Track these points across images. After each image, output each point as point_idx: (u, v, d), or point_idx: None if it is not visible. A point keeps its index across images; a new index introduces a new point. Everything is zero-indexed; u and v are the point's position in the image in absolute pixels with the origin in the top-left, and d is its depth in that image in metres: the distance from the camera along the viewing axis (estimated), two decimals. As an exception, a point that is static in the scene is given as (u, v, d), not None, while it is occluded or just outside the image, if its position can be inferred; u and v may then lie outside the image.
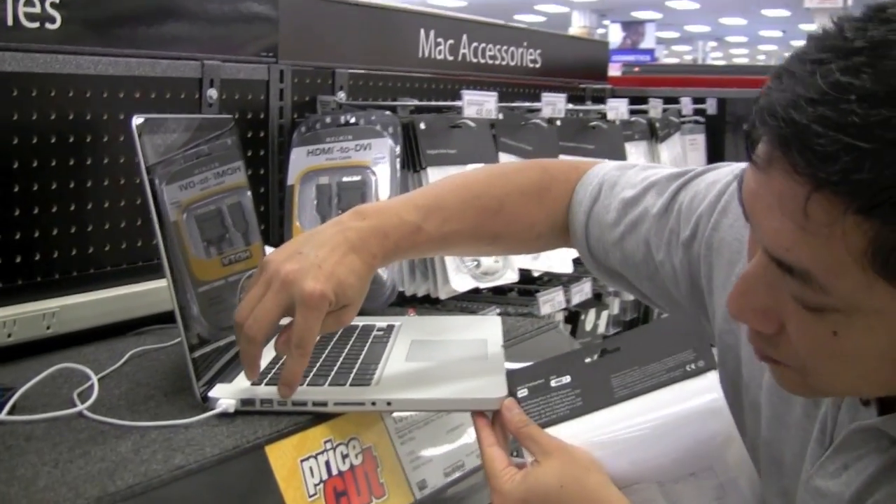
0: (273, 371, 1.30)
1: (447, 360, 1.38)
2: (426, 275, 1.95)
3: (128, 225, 1.72)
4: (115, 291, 1.67)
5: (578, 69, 3.27)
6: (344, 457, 1.22)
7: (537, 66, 2.98)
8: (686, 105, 3.14)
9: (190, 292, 1.34)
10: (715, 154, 3.34)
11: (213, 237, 1.45)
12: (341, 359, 1.37)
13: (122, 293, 1.68)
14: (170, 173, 1.35)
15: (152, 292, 1.69)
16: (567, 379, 1.18)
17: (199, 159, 1.46)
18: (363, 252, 1.22)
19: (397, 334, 1.53)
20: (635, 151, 2.77)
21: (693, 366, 1.14)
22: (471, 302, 2.14)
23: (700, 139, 3.28)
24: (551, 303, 2.26)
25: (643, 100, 3.05)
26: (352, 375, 1.29)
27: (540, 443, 1.12)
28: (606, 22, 23.28)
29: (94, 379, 1.28)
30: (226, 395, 1.21)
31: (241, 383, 1.27)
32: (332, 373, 1.30)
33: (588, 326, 2.60)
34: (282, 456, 1.14)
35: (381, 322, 1.60)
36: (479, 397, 1.21)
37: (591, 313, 2.61)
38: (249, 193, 1.60)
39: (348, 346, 1.44)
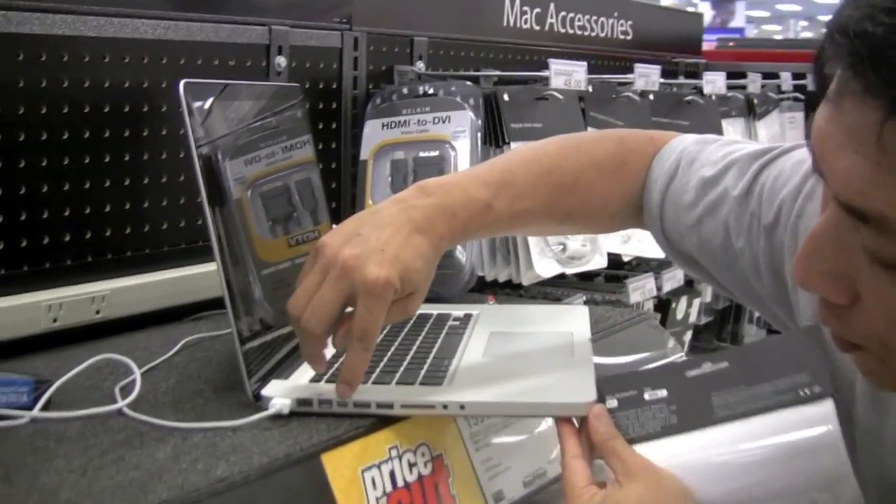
0: (335, 367, 1.17)
1: (529, 357, 1.24)
2: (507, 259, 1.80)
3: (187, 201, 1.60)
4: (171, 273, 1.55)
5: (671, 42, 3.10)
6: (411, 466, 1.08)
7: (628, 37, 2.82)
8: (786, 80, 2.95)
9: (252, 275, 1.22)
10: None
11: (279, 216, 1.33)
12: (411, 354, 1.24)
13: (179, 275, 1.56)
14: (234, 146, 1.24)
15: (212, 274, 1.55)
16: (663, 393, 1.05)
17: (265, 132, 1.35)
18: (429, 233, 1.09)
19: (475, 325, 1.39)
20: (732, 129, 2.60)
21: (807, 391, 0.99)
22: (555, 288, 1.98)
23: (799, 117, 3.09)
24: (641, 290, 2.11)
25: (740, 75, 2.87)
26: (422, 373, 1.15)
27: (625, 461, 0.99)
28: (696, 0, 22.87)
29: (138, 373, 1.15)
30: (280, 394, 1.08)
31: (300, 379, 1.15)
32: (400, 370, 1.17)
33: (679, 315, 2.45)
34: (340, 465, 1.01)
35: (457, 311, 1.46)
36: (564, 402, 1.07)
37: (683, 301, 2.46)
38: (319, 169, 1.47)
39: (420, 339, 1.31)
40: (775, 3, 25.39)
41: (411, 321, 1.40)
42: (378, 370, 1.16)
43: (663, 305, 2.39)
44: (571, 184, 1.21)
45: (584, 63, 1.86)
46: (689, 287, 2.49)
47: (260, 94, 1.38)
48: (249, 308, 1.20)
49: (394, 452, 1.07)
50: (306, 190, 1.44)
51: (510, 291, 1.89)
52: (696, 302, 2.54)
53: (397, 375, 1.14)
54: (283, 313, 1.22)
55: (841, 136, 0.74)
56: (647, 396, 1.05)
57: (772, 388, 1.01)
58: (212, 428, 1.03)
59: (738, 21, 22.27)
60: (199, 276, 1.57)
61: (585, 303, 1.89)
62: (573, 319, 1.42)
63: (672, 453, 1.01)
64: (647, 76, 2.08)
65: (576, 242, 1.82)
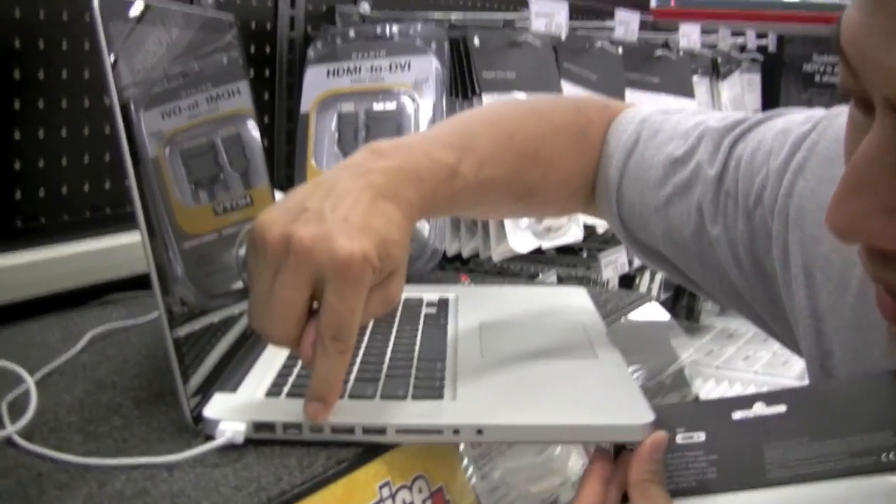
0: (297, 375, 0.89)
1: (544, 359, 0.96)
2: (473, 231, 1.53)
3: (93, 161, 1.30)
4: (73, 248, 1.25)
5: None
6: (407, 507, 0.81)
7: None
8: (751, 39, 2.71)
9: (172, 249, 0.94)
10: (770, 99, 2.93)
11: (203, 178, 1.06)
12: (388, 354, 0.96)
13: (82, 250, 1.26)
14: (150, 95, 0.96)
15: (123, 249, 1.27)
16: (700, 436, 0.80)
17: (187, 78, 1.06)
18: (397, 199, 0.82)
19: (456, 313, 1.12)
20: (697, 89, 2.36)
21: (892, 455, 0.74)
22: (518, 262, 1.71)
23: (756, 80, 2.87)
24: (614, 265, 1.86)
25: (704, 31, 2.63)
26: (411, 383, 0.88)
27: None
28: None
29: (31, 383, 0.86)
30: (230, 415, 0.80)
31: (252, 392, 0.87)
32: (381, 378, 0.89)
33: (642, 290, 2.22)
34: (319, 516, 0.74)
35: (428, 294, 1.19)
36: (618, 424, 0.80)
37: (647, 275, 2.23)
38: (253, 123, 1.19)
39: (393, 333, 1.03)
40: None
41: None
42: (352, 379, 0.88)
43: (627, 281, 2.15)
44: (534, 152, 0.98)
45: (566, 3, 1.59)
46: (651, 261, 2.27)
47: (186, 24, 1.09)
48: (168, 288, 0.92)
49: (385, 492, 0.80)
50: (236, 148, 1.16)
51: (459, 265, 1.62)
52: (658, 276, 2.32)
53: (380, 385, 0.87)
54: (208, 295, 0.97)
55: (891, 21, 0.55)
56: (679, 439, 0.80)
57: (844, 447, 0.76)
58: (140, 466, 0.74)
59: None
60: (108, 252, 1.27)
61: (559, 280, 1.64)
62: (574, 304, 1.16)
63: None
64: (627, 23, 1.82)
65: (553, 212, 1.55)
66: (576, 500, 0.80)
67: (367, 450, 0.79)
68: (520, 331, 1.05)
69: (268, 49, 1.57)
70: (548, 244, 1.56)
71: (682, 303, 2.67)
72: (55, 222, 1.28)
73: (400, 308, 1.14)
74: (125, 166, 0.81)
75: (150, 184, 0.94)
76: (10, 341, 1.05)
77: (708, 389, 2.31)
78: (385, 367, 0.92)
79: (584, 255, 1.87)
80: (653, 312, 1.38)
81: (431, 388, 0.86)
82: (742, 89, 2.73)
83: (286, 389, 0.86)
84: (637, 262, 2.02)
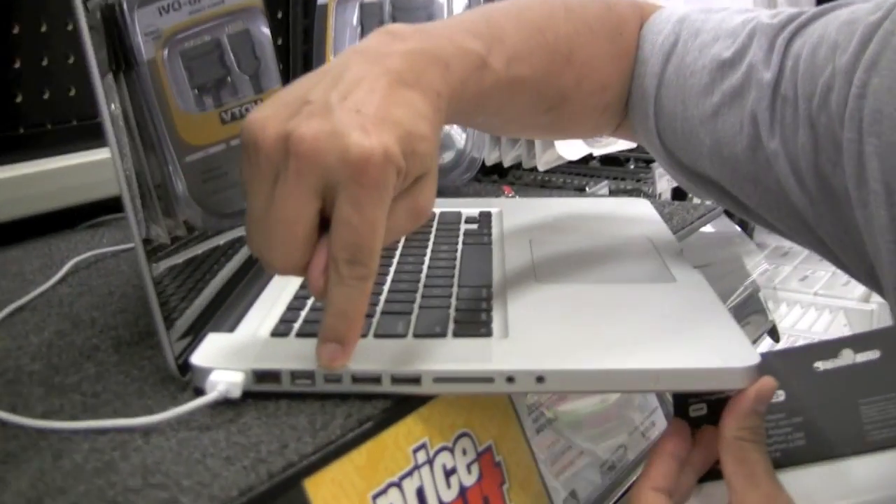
0: (310, 308, 0.73)
1: (612, 283, 0.79)
2: (514, 138, 1.36)
3: (79, 62, 1.14)
4: (58, 162, 1.09)
5: None
6: (448, 473, 0.65)
7: None
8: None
9: (172, 162, 0.82)
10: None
11: (207, 82, 0.91)
12: (422, 281, 0.79)
13: (68, 164, 1.10)
14: None
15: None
16: (780, 396, 0.66)
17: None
18: (420, 86, 0.64)
19: (502, 230, 0.95)
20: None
21: None
22: (562, 175, 1.53)
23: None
24: (667, 176, 1.67)
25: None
26: (451, 317, 0.71)
27: (758, 484, 0.63)
28: None
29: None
30: (224, 362, 0.63)
31: (252, 332, 0.70)
32: (415, 311, 0.72)
33: (695, 202, 2.05)
34: (336, 492, 0.57)
35: (468, 209, 1.02)
36: (718, 367, 0.63)
37: (700, 189, 2.05)
38: (264, 18, 1.03)
39: (428, 255, 0.87)
40: None
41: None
42: (378, 313, 0.72)
43: (680, 194, 1.97)
44: (567, 52, 0.81)
45: None
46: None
47: None
48: (169, 208, 0.78)
49: (421, 456, 0.63)
50: (245, 47, 1.00)
51: (513, 181, 1.45)
52: (712, 190, 2.14)
53: (412, 321, 0.70)
54: (215, 215, 0.82)
55: None
56: None
57: None
58: (108, 430, 0.58)
59: None
60: (98, 165, 1.10)
61: (611, 192, 1.46)
62: (639, 217, 1.00)
63: (798, 496, 0.63)
64: None
65: (604, 115, 1.37)
66: (643, 480, 0.65)
67: (397, 403, 0.63)
68: (578, 249, 0.88)
69: (279, -66, 1.39)
70: (599, 151, 1.38)
71: (734, 219, 2.49)
72: (35, 132, 1.11)
73: (435, 223, 0.97)
74: (88, 68, 0.64)
75: (146, 90, 0.81)
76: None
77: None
78: (419, 296, 0.75)
79: (632, 166, 1.69)
80: (722, 225, 1.21)
81: (477, 322, 0.70)
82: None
83: (296, 328, 0.69)
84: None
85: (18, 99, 1.09)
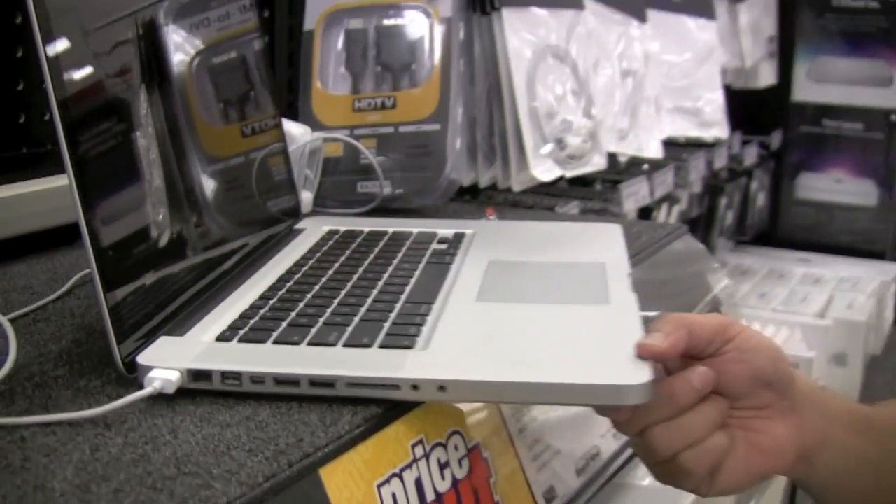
0: (259, 317, 0.79)
1: (544, 303, 0.85)
2: (491, 158, 1.42)
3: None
4: (57, 181, 1.13)
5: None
6: (443, 467, 0.71)
7: None
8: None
9: (197, 173, 0.91)
10: (785, 24, 2.80)
11: (232, 97, 1.02)
12: (372, 296, 0.86)
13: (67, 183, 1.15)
14: (179, 5, 0.91)
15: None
16: None
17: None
18: None
19: (468, 251, 1.01)
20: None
21: None
22: (534, 195, 1.59)
23: (772, 2, 2.74)
24: (635, 196, 1.75)
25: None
26: (384, 329, 0.77)
27: None
28: None
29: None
30: (164, 363, 0.70)
31: (199, 335, 0.77)
32: (353, 323, 0.79)
33: (660, 220, 2.12)
34: (346, 480, 0.63)
35: (445, 229, 1.08)
36: (607, 384, 0.68)
37: (664, 208, 2.12)
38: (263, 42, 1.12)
39: (389, 270, 0.93)
40: None
41: (382, 242, 1.03)
42: (320, 322, 0.78)
43: (645, 213, 2.05)
44: None
45: None
46: (669, 193, 2.16)
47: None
48: (199, 218, 0.87)
49: (419, 451, 0.70)
50: (263, 64, 1.10)
51: (469, 198, 1.51)
52: (676, 209, 2.21)
53: (348, 332, 0.76)
54: (234, 224, 0.93)
55: None
56: None
57: None
58: (30, 425, 0.64)
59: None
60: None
61: (581, 212, 1.53)
62: (603, 242, 1.06)
63: None
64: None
65: (576, 138, 1.44)
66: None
67: (397, 404, 0.69)
68: (529, 271, 0.95)
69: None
70: (570, 173, 1.45)
71: (697, 237, 2.57)
72: (36, 152, 1.16)
73: (409, 242, 1.03)
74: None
75: (176, 102, 0.88)
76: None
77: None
78: (363, 311, 0.82)
79: (599, 187, 1.76)
80: (687, 244, 1.28)
81: (404, 335, 0.76)
82: (760, 13, 2.61)
83: (240, 334, 0.76)
84: (659, 193, 1.91)
85: (21, 120, 1.14)
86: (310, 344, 0.74)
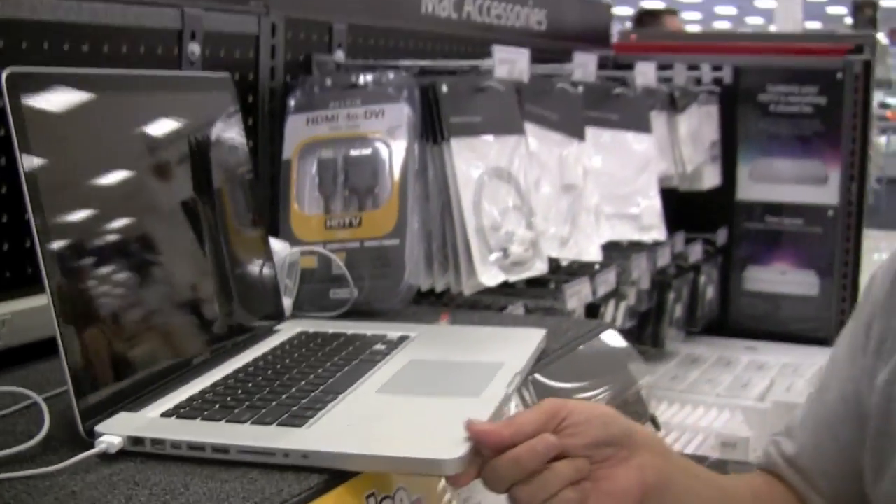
0: (202, 400, 1.03)
1: (428, 396, 1.08)
2: (445, 266, 1.65)
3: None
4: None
5: (582, 33, 2.97)
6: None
7: (542, 28, 2.69)
8: (706, 73, 2.85)
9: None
10: (728, 129, 3.04)
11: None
12: (296, 387, 1.08)
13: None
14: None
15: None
16: None
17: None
18: None
19: (401, 351, 1.23)
20: (654, 123, 2.48)
21: None
22: (483, 296, 1.82)
23: (714, 111, 2.99)
24: (578, 296, 1.97)
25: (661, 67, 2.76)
26: (290, 412, 0.99)
27: None
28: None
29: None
30: (114, 431, 0.94)
31: (154, 410, 1.00)
32: (269, 406, 1.01)
33: (607, 319, 2.33)
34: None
35: (395, 332, 1.30)
36: (424, 458, 0.90)
37: (611, 305, 2.33)
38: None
39: (322, 368, 1.15)
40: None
41: (336, 343, 1.25)
42: (245, 405, 1.01)
43: (592, 310, 2.26)
44: None
45: (527, 50, 1.71)
46: (614, 291, 2.37)
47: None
48: (185, 327, 1.09)
49: (372, 501, 0.91)
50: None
51: (434, 300, 1.73)
52: (623, 305, 2.42)
53: (261, 413, 0.99)
54: (221, 327, 1.17)
55: None
56: None
57: None
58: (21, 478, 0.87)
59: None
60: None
61: (526, 312, 1.75)
62: (518, 345, 1.27)
63: None
64: (584, 65, 1.95)
65: (518, 248, 1.67)
66: None
67: (334, 476, 0.90)
68: (434, 370, 1.17)
69: (250, 98, 1.68)
70: (514, 278, 1.67)
71: (647, 331, 2.77)
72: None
73: (357, 342, 1.25)
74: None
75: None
76: (26, 379, 1.15)
77: (672, 412, 2.43)
78: (283, 397, 1.04)
79: (553, 285, 1.99)
80: (612, 339, 1.50)
81: (301, 416, 0.98)
82: (700, 121, 2.85)
83: (180, 412, 0.99)
84: (602, 292, 2.13)
85: (27, 244, 1.30)
86: (227, 421, 0.97)
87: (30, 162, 0.94)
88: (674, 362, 2.79)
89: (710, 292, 2.97)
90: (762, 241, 3.09)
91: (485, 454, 0.89)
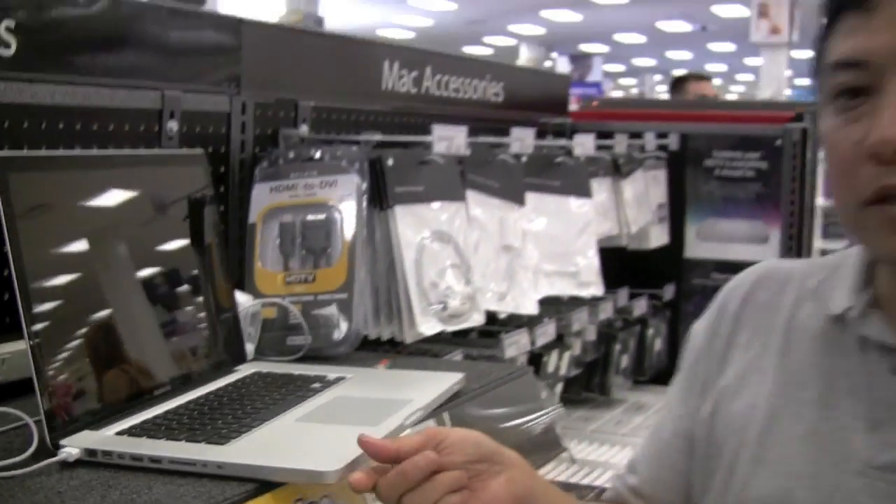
0: (152, 423, 1.25)
1: (336, 424, 1.29)
2: (390, 317, 1.87)
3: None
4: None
5: (539, 102, 3.22)
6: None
7: (499, 99, 2.93)
8: (650, 140, 3.09)
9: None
10: (677, 191, 3.27)
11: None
12: (234, 414, 1.30)
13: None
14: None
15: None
16: None
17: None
18: None
19: (332, 389, 1.44)
20: (598, 188, 2.71)
21: None
22: (433, 344, 2.05)
23: (661, 175, 3.22)
24: (516, 345, 2.19)
25: (606, 135, 3.00)
26: (219, 432, 1.22)
27: None
28: (554, 55, 23.30)
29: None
30: (74, 444, 1.16)
31: (111, 428, 1.22)
32: (205, 428, 1.23)
33: (550, 368, 2.53)
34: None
35: (334, 374, 1.51)
36: (304, 469, 1.12)
37: (554, 354, 2.54)
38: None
39: (262, 400, 1.36)
40: (631, 57, 26.13)
41: (280, 381, 1.46)
42: (186, 427, 1.23)
43: (535, 359, 2.46)
44: None
45: (465, 127, 1.95)
46: (559, 341, 2.58)
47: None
48: (151, 365, 1.33)
49: (300, 505, 1.13)
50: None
51: (388, 348, 1.94)
52: (567, 355, 2.62)
53: (196, 432, 1.21)
54: (186, 365, 1.39)
55: None
56: None
57: None
58: None
59: (595, 75, 22.78)
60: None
61: (465, 358, 1.96)
62: (432, 385, 1.46)
63: None
64: (521, 139, 2.18)
65: (455, 301, 1.90)
66: None
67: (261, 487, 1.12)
68: (350, 404, 1.38)
69: (222, 169, 1.91)
70: (451, 328, 1.90)
71: (595, 380, 2.96)
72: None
73: (296, 381, 1.46)
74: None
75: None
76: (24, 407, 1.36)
77: (612, 453, 2.61)
78: (218, 423, 1.26)
79: (504, 335, 2.20)
80: (529, 381, 1.71)
81: (225, 437, 1.21)
82: (646, 185, 3.05)
83: (133, 431, 1.21)
84: (541, 341, 2.35)
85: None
86: (167, 439, 1.19)
87: (15, 237, 1.18)
88: (620, 409, 2.96)
89: (658, 344, 3.15)
90: (709, 297, 3.23)
91: (375, 462, 1.08)
